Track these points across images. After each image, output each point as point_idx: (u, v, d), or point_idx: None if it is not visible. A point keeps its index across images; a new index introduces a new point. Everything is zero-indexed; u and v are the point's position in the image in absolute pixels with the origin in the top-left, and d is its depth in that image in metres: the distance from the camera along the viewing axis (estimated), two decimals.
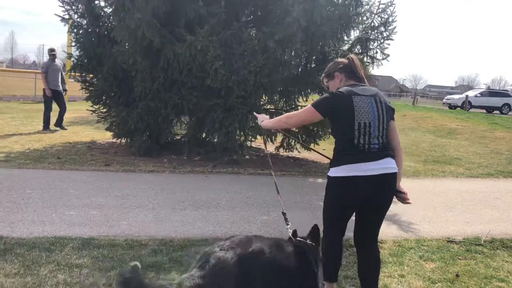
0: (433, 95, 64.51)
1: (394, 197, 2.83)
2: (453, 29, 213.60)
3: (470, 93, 31.85)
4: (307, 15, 6.71)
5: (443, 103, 32.31)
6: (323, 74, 3.06)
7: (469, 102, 28.50)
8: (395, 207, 5.72)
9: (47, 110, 10.53)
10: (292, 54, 7.59)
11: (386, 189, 2.74)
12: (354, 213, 2.90)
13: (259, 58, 6.97)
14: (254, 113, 3.50)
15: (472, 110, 27.59)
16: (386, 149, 2.74)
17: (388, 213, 5.46)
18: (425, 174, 8.26)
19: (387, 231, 4.75)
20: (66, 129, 10.66)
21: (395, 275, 3.63)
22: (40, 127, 10.43)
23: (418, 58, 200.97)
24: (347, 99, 2.71)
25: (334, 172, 2.74)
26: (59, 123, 10.73)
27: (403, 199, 2.85)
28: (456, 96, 32.80)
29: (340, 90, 2.78)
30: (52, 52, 10.64)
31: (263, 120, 3.21)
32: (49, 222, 4.27)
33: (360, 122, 2.67)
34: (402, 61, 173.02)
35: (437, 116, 18.26)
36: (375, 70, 8.65)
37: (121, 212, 4.77)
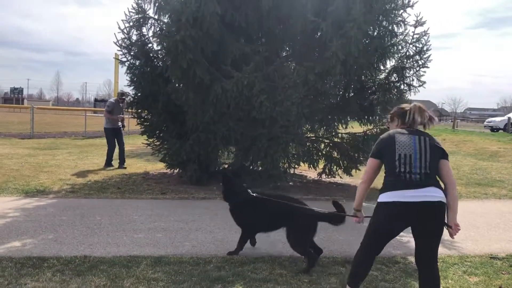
0: (474, 118, 63.23)
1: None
2: (492, 50, 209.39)
3: None
4: (345, 48, 7.17)
5: (484, 126, 31.69)
6: (389, 114, 3.51)
7: None
8: None
9: (113, 147, 10.63)
10: (332, 84, 8.05)
11: (430, 216, 2.98)
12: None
13: (300, 90, 7.47)
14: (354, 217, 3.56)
15: None
16: (429, 179, 3.01)
17: None
18: (467, 196, 8.40)
19: None
20: (125, 168, 10.47)
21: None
22: (97, 161, 11.19)
23: (457, 81, 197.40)
24: (391, 137, 3.16)
25: (380, 198, 3.11)
26: (122, 161, 10.64)
27: (450, 233, 3.11)
28: (498, 119, 32.13)
29: (388, 132, 3.25)
30: (122, 97, 10.60)
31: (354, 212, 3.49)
32: (122, 244, 4.80)
33: (401, 154, 3.05)
34: (440, 85, 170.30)
35: (477, 139, 18.13)
36: (412, 96, 8.94)
37: (182, 234, 5.27)
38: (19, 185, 7.71)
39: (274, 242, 5.05)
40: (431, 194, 2.97)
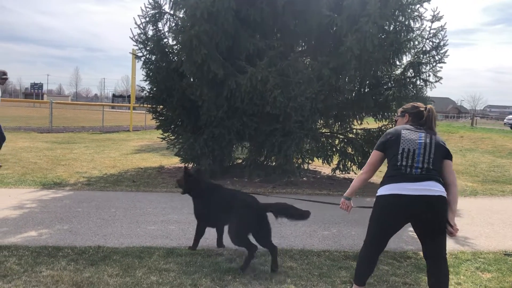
0: (494, 115, 62.23)
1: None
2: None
3: None
4: (359, 43, 7.12)
5: (504, 124, 31.22)
6: (400, 110, 3.51)
7: None
8: None
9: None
10: (346, 80, 8.01)
11: (430, 211, 2.95)
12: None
13: (314, 85, 7.45)
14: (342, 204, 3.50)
15: None
16: (430, 174, 2.99)
17: None
18: (483, 193, 8.29)
19: None
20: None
21: (451, 283, 3.87)
22: (113, 155, 11.34)
23: (477, 78, 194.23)
24: (397, 132, 3.18)
25: (379, 192, 3.13)
26: None
27: (450, 232, 3.02)
28: None
29: (395, 127, 3.26)
30: (4, 76, 8.70)
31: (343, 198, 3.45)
32: (135, 235, 4.88)
33: (405, 148, 3.07)
34: (460, 81, 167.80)
35: (496, 137, 17.83)
36: (428, 92, 8.86)
37: (195, 226, 5.28)
38: (37, 177, 7.86)
39: (285, 236, 5.08)
40: (431, 188, 2.95)
